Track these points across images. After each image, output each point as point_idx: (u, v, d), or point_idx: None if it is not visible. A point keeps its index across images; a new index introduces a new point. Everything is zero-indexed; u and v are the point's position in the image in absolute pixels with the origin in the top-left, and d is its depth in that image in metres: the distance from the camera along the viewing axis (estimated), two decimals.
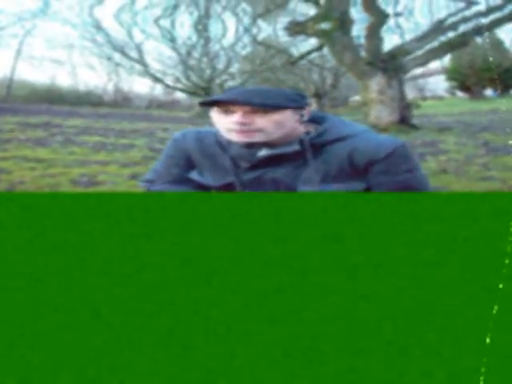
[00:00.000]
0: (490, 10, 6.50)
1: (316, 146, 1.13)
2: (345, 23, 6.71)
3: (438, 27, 6.57)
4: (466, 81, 18.57)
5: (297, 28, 7.62)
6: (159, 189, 1.33)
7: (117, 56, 14.02)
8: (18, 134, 5.65)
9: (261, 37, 13.53)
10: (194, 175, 1.27)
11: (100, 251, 1.15)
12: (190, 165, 1.27)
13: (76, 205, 1.27)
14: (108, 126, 7.52)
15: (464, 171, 3.42)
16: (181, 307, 1.01)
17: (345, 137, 1.12)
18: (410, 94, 15.95)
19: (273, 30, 12.42)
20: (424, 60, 6.76)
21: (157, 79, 15.46)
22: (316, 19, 7.21)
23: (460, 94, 20.56)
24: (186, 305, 1.02)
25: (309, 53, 10.42)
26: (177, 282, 1.07)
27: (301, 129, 1.12)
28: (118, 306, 0.99)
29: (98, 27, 11.59)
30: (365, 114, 7.05)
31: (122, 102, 13.48)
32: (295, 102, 1.09)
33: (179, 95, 18.11)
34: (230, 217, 1.19)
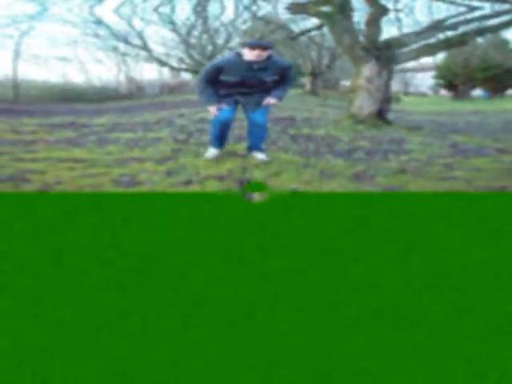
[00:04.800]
0: (496, 15, 6.59)
1: (269, 62, 3.54)
2: (345, 9, 6.88)
3: (438, 26, 6.65)
4: (455, 80, 17.77)
5: (298, 8, 7.71)
6: (202, 90, 3.68)
7: (121, 46, 14.13)
8: (43, 135, 5.51)
9: (261, 14, 13.54)
10: (222, 77, 3.55)
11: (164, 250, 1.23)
12: (218, 73, 3.55)
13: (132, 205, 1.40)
14: (132, 120, 7.37)
15: (424, 171, 3.46)
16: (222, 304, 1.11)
17: (276, 61, 3.61)
18: (394, 86, 15.90)
19: (273, 8, 12.49)
20: (417, 54, 6.82)
21: (162, 62, 15.65)
22: (317, 3, 7.35)
23: (444, 92, 19.79)
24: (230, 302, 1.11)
25: (309, 30, 10.43)
26: (221, 279, 1.16)
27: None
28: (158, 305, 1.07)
29: (99, 22, 11.77)
30: (349, 101, 7.09)
31: (136, 92, 13.68)
32: (271, 47, 3.56)
33: (186, 77, 18.40)
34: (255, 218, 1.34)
